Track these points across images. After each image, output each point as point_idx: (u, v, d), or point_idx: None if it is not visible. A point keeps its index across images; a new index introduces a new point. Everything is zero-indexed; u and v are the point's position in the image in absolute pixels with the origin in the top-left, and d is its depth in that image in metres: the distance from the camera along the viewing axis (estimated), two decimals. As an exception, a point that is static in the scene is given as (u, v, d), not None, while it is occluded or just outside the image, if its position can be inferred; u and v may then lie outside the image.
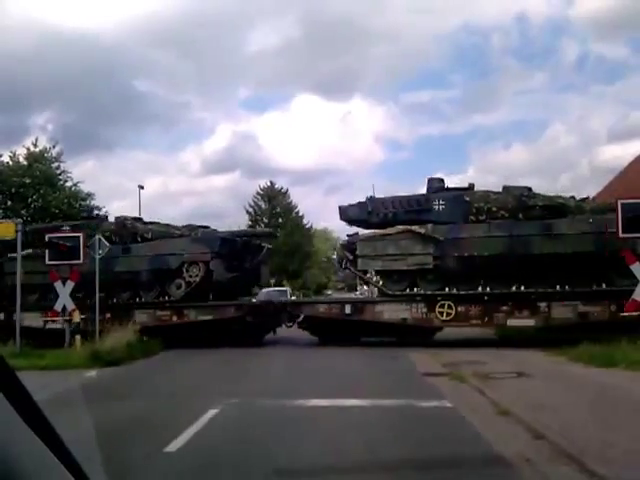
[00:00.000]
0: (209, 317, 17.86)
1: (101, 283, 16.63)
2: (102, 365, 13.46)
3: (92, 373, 12.57)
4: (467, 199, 16.40)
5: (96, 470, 2.58)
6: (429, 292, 16.24)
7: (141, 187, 38.06)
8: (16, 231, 16.40)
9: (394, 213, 17.01)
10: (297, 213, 52.23)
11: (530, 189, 16.84)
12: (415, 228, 16.29)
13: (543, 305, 15.68)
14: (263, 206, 51.03)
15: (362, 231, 17.84)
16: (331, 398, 8.80)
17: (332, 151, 79.10)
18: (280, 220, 49.84)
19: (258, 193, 51.44)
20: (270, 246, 21.70)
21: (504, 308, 15.93)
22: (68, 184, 33.40)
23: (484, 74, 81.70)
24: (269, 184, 52.34)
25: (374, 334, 17.30)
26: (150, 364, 14.90)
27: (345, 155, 78.50)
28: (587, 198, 17.58)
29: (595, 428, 6.48)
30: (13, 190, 31.14)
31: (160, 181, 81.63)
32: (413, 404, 8.41)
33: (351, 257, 17.20)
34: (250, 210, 50.65)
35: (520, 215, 15.98)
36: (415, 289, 16.62)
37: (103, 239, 17.24)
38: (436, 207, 16.47)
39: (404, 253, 16.23)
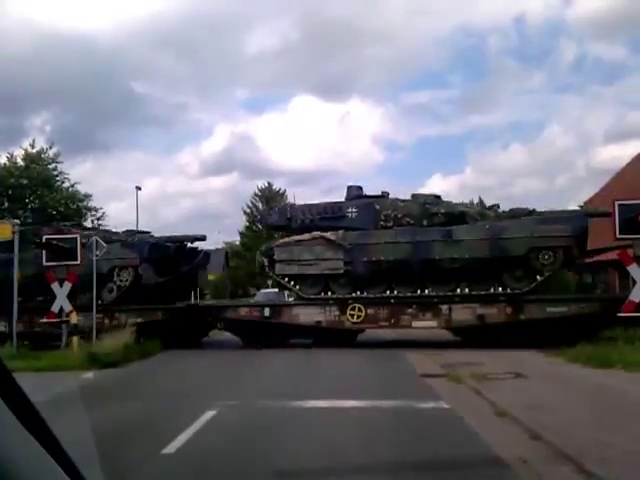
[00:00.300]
0: (138, 320, 18.10)
1: (39, 286, 16.93)
2: (99, 367, 13.43)
3: (89, 375, 12.55)
4: (377, 207, 17.31)
5: (94, 472, 2.57)
6: (341, 296, 17.13)
7: (138, 188, 37.98)
8: (13, 232, 16.41)
9: (311, 220, 17.84)
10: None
11: (439, 197, 17.95)
12: (327, 234, 17.10)
13: (445, 308, 16.43)
14: (261, 207, 51.03)
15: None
16: (329, 399, 8.80)
17: (330, 152, 79.06)
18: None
19: (256, 194, 51.47)
20: (208, 250, 22.47)
21: (409, 311, 16.69)
22: (65, 185, 33.37)
23: (482, 75, 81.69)
24: (267, 185, 52.36)
25: (293, 336, 17.81)
26: (147, 365, 14.87)
27: (343, 156, 78.46)
28: (495, 206, 18.40)
29: (592, 429, 6.50)
30: (10, 192, 31.10)
31: (158, 182, 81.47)
32: (411, 405, 8.41)
33: (267, 263, 17.97)
34: (248, 211, 50.66)
35: (424, 222, 16.96)
36: (329, 293, 17.36)
37: (101, 240, 17.26)
38: (349, 214, 17.40)
39: (317, 258, 17.12)
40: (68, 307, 16.38)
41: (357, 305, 16.77)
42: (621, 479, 4.89)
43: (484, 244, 15.85)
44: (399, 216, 17.06)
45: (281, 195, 52.05)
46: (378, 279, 16.73)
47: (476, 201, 37.83)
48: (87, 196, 34.11)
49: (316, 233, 17.31)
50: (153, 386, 11.49)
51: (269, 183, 52.92)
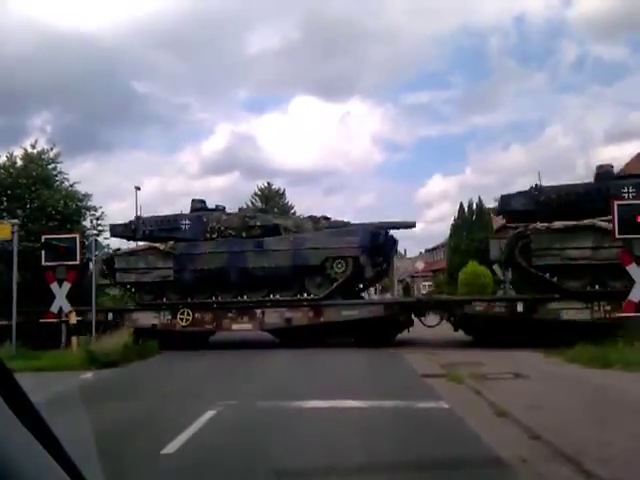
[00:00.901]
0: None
1: None
2: (98, 366, 13.43)
3: (88, 374, 12.55)
4: (205, 220, 18.96)
5: (94, 472, 2.57)
6: (171, 301, 18.45)
7: (138, 188, 37.88)
8: (12, 232, 16.39)
9: (151, 231, 19.35)
10: (294, 214, 52.19)
11: (265, 210, 20.37)
12: (157, 245, 18.68)
13: (259, 312, 18.01)
14: (260, 207, 51.06)
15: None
16: (329, 399, 8.79)
17: (331, 152, 79.16)
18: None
19: (255, 194, 51.49)
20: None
21: (230, 315, 18.24)
22: (65, 185, 33.33)
23: (483, 75, 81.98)
24: (266, 185, 52.38)
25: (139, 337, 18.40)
26: (147, 365, 14.87)
27: (344, 156, 78.57)
28: (322, 218, 19.57)
29: (592, 428, 6.49)
30: (9, 191, 31.06)
31: (158, 182, 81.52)
32: (411, 405, 8.41)
33: (107, 271, 19.19)
34: (247, 211, 50.67)
35: (243, 234, 18.62)
36: (164, 299, 18.84)
37: (99, 240, 17.27)
38: (183, 226, 18.96)
39: (150, 267, 18.45)
40: (67, 307, 16.38)
41: (186, 310, 18.17)
42: (621, 478, 4.88)
43: (288, 254, 17.69)
44: (222, 228, 18.73)
45: (280, 195, 52.09)
46: (204, 286, 18.28)
47: (475, 201, 37.90)
48: (86, 195, 34.07)
49: (147, 244, 19.23)
50: (153, 386, 11.49)
51: (269, 183, 52.95)
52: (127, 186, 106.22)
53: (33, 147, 33.00)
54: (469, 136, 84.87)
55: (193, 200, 20.06)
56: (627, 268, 14.20)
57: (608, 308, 15.63)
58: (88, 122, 70.50)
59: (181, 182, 79.56)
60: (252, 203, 51.02)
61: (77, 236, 16.94)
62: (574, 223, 15.84)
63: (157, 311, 18.24)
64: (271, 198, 51.12)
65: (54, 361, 13.79)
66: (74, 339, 15.68)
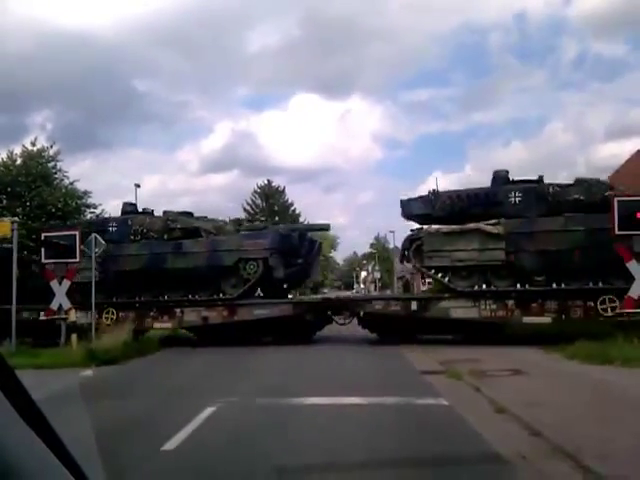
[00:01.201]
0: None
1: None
2: (98, 364, 13.44)
3: (88, 372, 12.56)
4: (130, 223, 19.60)
5: (94, 468, 2.57)
6: (99, 301, 18.20)
7: (137, 185, 37.89)
8: (12, 229, 16.39)
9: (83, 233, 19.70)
10: (294, 211, 52.25)
11: (191, 214, 20.45)
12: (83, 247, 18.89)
13: (178, 311, 18.73)
14: (261, 204, 51.07)
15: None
16: (329, 396, 8.81)
17: (331, 149, 79.22)
18: (277, 218, 49.86)
19: (255, 191, 51.53)
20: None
21: (151, 314, 18.98)
22: (64, 182, 33.29)
23: (483, 72, 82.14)
24: (266, 182, 52.38)
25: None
26: (146, 363, 14.89)
27: (343, 153, 78.64)
28: (245, 221, 20.78)
29: (591, 425, 6.51)
30: (9, 189, 31.02)
31: (158, 180, 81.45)
32: (411, 402, 8.42)
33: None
34: (247, 208, 50.69)
35: (165, 236, 19.29)
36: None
37: (99, 237, 17.28)
38: (110, 229, 19.57)
39: (80, 268, 18.19)
40: (67, 304, 16.38)
41: (111, 309, 18.77)
42: (621, 475, 4.89)
43: (204, 255, 18.47)
44: (145, 231, 19.43)
45: (280, 192, 52.10)
46: (128, 286, 18.81)
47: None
48: (86, 193, 34.07)
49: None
50: (152, 383, 11.51)
51: (268, 180, 53.00)
52: (127, 184, 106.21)
53: (33, 145, 33.00)
54: (469, 133, 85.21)
55: (124, 203, 21.05)
56: (627, 265, 14.19)
57: (494, 307, 16.50)
58: (89, 120, 70.63)
59: (181, 180, 79.64)
60: (252, 200, 51.07)
61: (77, 233, 16.92)
62: (461, 227, 16.65)
63: (85, 311, 17.82)
64: (271, 196, 51.15)
65: (54, 358, 13.79)
66: (73, 336, 15.69)
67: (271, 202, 50.82)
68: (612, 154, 65.97)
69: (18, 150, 32.99)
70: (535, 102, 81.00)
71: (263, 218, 49.52)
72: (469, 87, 77.90)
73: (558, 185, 16.60)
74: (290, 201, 52.76)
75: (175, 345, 18.11)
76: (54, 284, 16.49)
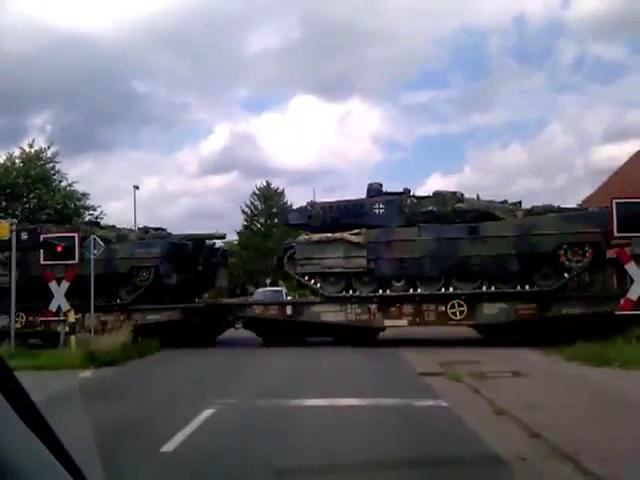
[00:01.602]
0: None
1: None
2: (97, 365, 13.43)
3: (87, 373, 12.54)
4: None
5: (93, 470, 2.57)
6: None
7: (136, 187, 37.91)
8: (10, 231, 16.38)
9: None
10: (292, 212, 51.99)
11: (97, 223, 21.84)
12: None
13: (79, 315, 18.07)
14: (259, 206, 51.03)
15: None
16: (328, 398, 8.79)
17: (330, 151, 78.96)
18: (276, 220, 49.81)
19: (254, 193, 51.41)
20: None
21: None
22: (63, 184, 33.31)
23: (482, 75, 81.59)
24: (265, 184, 52.30)
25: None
26: (146, 364, 14.87)
27: (343, 155, 78.36)
28: (154, 229, 21.60)
29: (591, 427, 6.51)
30: (8, 190, 31.03)
31: (157, 181, 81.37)
32: (410, 403, 8.41)
33: None
34: (246, 210, 50.64)
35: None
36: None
37: (98, 239, 17.28)
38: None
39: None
40: (66, 306, 16.37)
41: (20, 314, 18.41)
42: (619, 476, 4.89)
43: (102, 263, 18.05)
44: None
45: (279, 194, 52.03)
46: (35, 293, 18.13)
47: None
48: (85, 195, 34.10)
49: None
50: (151, 384, 11.49)
51: (267, 182, 52.86)
52: (126, 185, 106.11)
53: (30, 146, 33.00)
54: (468, 135, 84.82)
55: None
56: (626, 267, 14.21)
57: (358, 311, 17.67)
58: (88, 122, 70.24)
59: (180, 181, 79.42)
60: (251, 202, 50.99)
61: (76, 235, 16.92)
62: (327, 236, 17.73)
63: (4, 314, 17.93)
64: (270, 197, 51.07)
65: (53, 360, 13.77)
66: (72, 337, 15.67)
67: (270, 204, 50.74)
68: (611, 156, 65.77)
69: (17, 152, 33.01)
70: (534, 104, 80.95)
71: (262, 220, 49.49)
72: (468, 89, 77.95)
73: (416, 197, 18.12)
74: (289, 203, 52.65)
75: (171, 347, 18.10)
76: (53, 285, 16.49)
